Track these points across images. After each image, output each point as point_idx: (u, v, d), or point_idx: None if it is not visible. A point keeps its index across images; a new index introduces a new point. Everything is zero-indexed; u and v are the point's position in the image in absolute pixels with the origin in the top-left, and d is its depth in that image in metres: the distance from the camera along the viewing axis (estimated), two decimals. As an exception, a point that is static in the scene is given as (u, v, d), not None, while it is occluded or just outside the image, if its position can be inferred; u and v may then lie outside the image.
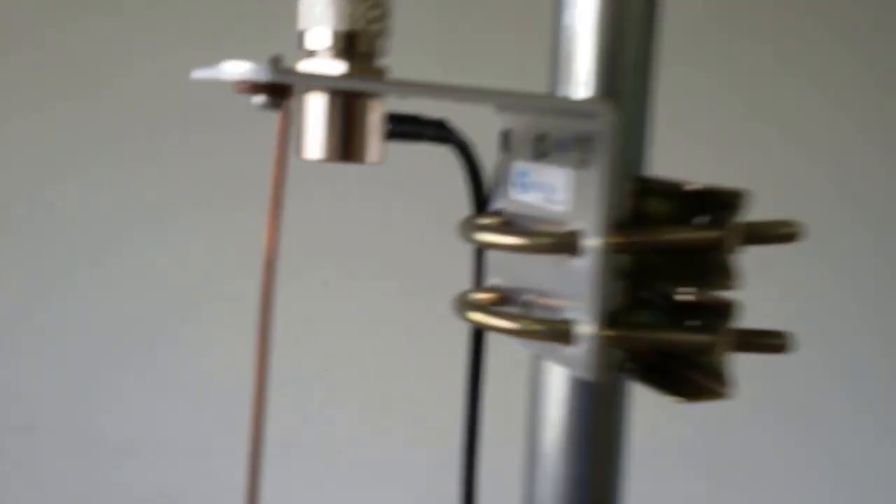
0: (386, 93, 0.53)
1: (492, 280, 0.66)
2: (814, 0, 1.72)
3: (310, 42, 0.53)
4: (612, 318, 0.56)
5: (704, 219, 0.56)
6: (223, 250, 1.68)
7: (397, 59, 0.57)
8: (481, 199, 0.64)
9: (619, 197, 0.55)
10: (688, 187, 0.56)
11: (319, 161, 0.53)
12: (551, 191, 0.58)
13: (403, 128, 0.59)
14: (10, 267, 1.67)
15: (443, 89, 0.50)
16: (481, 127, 0.65)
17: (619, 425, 0.62)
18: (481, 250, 0.66)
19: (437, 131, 0.60)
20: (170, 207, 1.67)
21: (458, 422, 1.75)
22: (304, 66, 0.53)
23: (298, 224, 1.67)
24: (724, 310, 0.56)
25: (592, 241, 0.54)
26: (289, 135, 0.51)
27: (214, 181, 1.67)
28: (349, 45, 0.52)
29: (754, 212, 0.55)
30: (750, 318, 0.58)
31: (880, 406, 1.82)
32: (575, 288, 0.56)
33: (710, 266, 0.56)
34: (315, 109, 0.53)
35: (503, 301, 0.65)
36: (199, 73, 0.52)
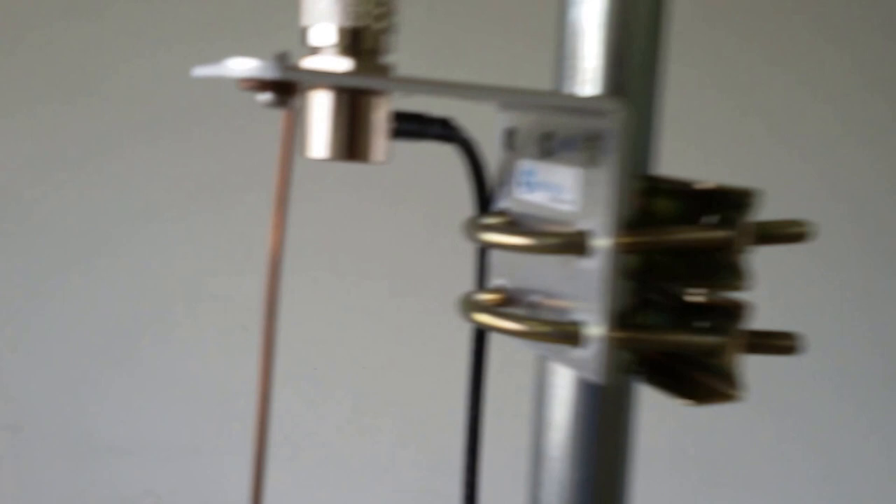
0: (393, 90, 0.51)
1: (495, 280, 0.65)
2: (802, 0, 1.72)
3: (314, 38, 0.51)
4: (620, 320, 0.55)
5: (713, 218, 0.56)
6: (211, 251, 1.68)
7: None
8: (485, 199, 0.63)
9: (628, 196, 0.53)
10: (698, 186, 0.55)
11: (324, 160, 0.52)
12: (558, 190, 0.57)
13: (408, 126, 0.57)
14: (-1, 267, 1.66)
15: (452, 87, 0.49)
16: (481, 126, 0.64)
17: (625, 428, 0.61)
18: (484, 250, 0.65)
19: (442, 130, 0.59)
20: (157, 209, 1.66)
21: (448, 420, 1.74)
22: (309, 63, 0.52)
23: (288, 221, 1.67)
24: (734, 311, 0.55)
25: (602, 242, 0.53)
26: (294, 133, 0.50)
27: (203, 183, 1.66)
28: (354, 41, 0.51)
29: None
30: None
31: (872, 404, 1.82)
32: (583, 289, 0.55)
33: (720, 266, 0.55)
34: (320, 107, 0.52)
35: (508, 302, 0.63)
36: (201, 71, 0.51)
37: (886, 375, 1.80)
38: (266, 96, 0.48)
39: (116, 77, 1.63)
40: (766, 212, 0.54)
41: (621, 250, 0.54)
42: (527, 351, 0.61)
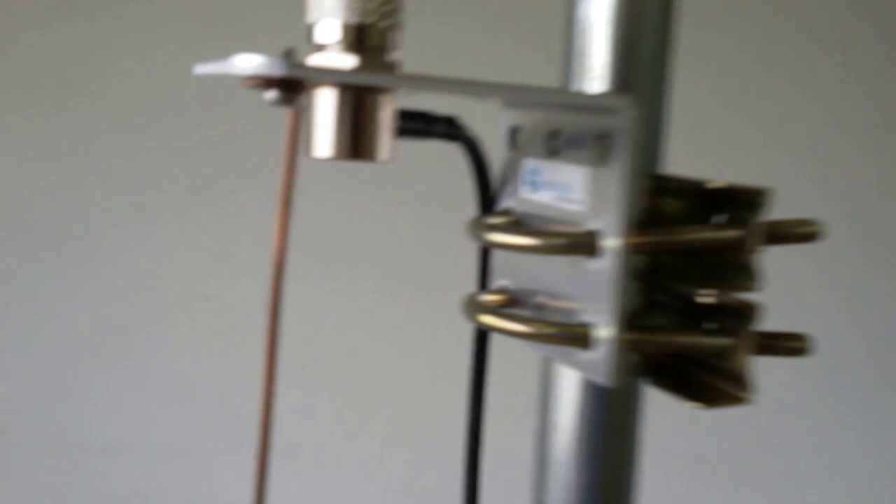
0: (402, 88, 0.50)
1: (498, 281, 0.64)
2: (794, 0, 1.72)
3: (319, 35, 0.50)
4: (628, 321, 0.54)
5: (722, 218, 0.55)
6: (203, 252, 1.67)
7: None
8: (488, 198, 0.62)
9: (638, 196, 0.52)
10: (709, 185, 0.54)
11: (328, 159, 0.51)
12: (565, 189, 0.56)
13: (413, 125, 0.56)
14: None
15: (462, 84, 0.48)
16: (482, 125, 0.62)
17: (632, 431, 0.60)
18: (486, 250, 0.64)
19: (447, 128, 0.58)
20: (149, 210, 1.65)
21: (438, 420, 1.73)
22: (314, 60, 0.50)
23: (272, 217, 1.66)
24: (744, 312, 0.54)
25: (611, 242, 0.52)
26: (300, 132, 0.49)
27: (196, 184, 1.65)
28: (360, 38, 0.50)
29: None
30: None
31: (861, 403, 1.81)
32: (591, 290, 0.54)
33: (730, 266, 0.54)
34: (324, 105, 0.50)
35: (512, 303, 0.62)
36: (202, 69, 0.50)
37: (877, 374, 1.80)
38: (272, 94, 0.47)
39: (110, 78, 1.62)
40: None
41: (631, 250, 0.53)
42: (527, 351, 0.60)
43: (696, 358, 0.57)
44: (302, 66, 0.45)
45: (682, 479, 1.79)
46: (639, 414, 0.60)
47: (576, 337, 0.54)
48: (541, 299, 0.59)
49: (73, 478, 1.70)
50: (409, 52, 0.56)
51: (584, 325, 0.54)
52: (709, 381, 0.56)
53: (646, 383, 0.59)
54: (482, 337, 0.65)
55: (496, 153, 0.63)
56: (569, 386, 0.59)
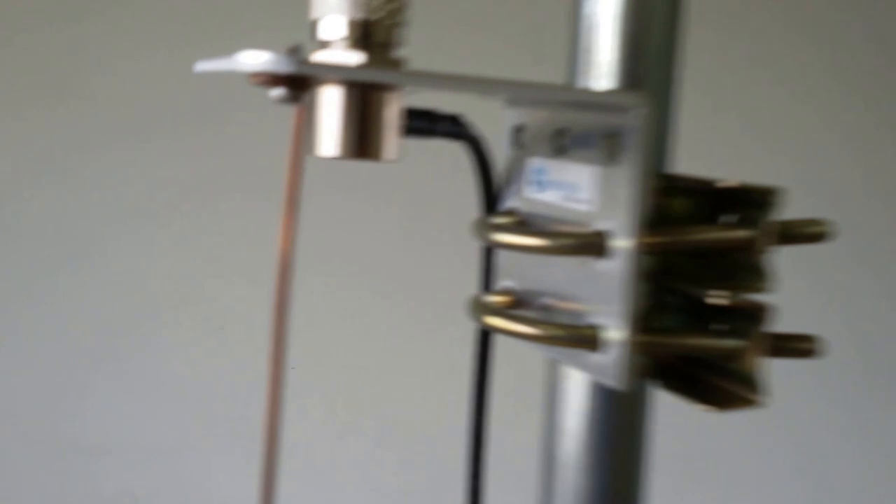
0: (411, 85, 0.49)
1: (503, 282, 0.63)
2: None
3: (323, 32, 0.49)
4: (637, 323, 0.53)
5: (731, 218, 0.54)
6: (195, 253, 1.66)
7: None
8: (492, 198, 0.61)
9: (649, 195, 0.51)
10: (721, 184, 0.53)
11: (333, 158, 0.50)
12: (573, 189, 0.55)
13: (418, 123, 0.55)
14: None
15: (473, 82, 0.47)
16: (482, 124, 0.61)
17: (641, 434, 0.59)
18: (490, 250, 0.63)
19: (452, 127, 0.57)
20: (140, 211, 1.64)
21: (429, 421, 1.72)
22: (318, 57, 0.49)
23: (264, 218, 1.65)
24: (755, 313, 0.53)
25: (622, 242, 0.51)
26: (306, 130, 0.48)
27: (188, 185, 1.64)
28: (366, 35, 0.49)
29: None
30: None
31: (848, 399, 1.81)
32: (601, 291, 0.53)
33: (741, 267, 0.53)
34: (329, 103, 0.49)
35: (517, 304, 0.61)
36: (205, 66, 0.49)
37: (864, 373, 1.80)
38: (278, 92, 0.45)
39: (103, 79, 1.61)
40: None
41: (641, 251, 0.52)
42: (530, 351, 0.59)
43: (705, 360, 0.56)
44: (310, 63, 0.44)
45: (670, 477, 1.79)
46: (647, 417, 0.59)
47: (585, 339, 0.53)
48: (547, 300, 0.58)
49: (64, 478, 1.69)
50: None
51: (593, 327, 0.53)
52: (719, 383, 0.55)
53: (654, 386, 0.58)
54: (485, 338, 0.64)
55: (497, 152, 0.62)
56: (576, 388, 0.58)
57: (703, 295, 0.55)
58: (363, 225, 1.66)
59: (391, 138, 0.50)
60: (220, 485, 1.71)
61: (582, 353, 0.54)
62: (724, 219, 0.54)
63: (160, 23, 1.60)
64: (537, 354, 0.59)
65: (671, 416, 1.71)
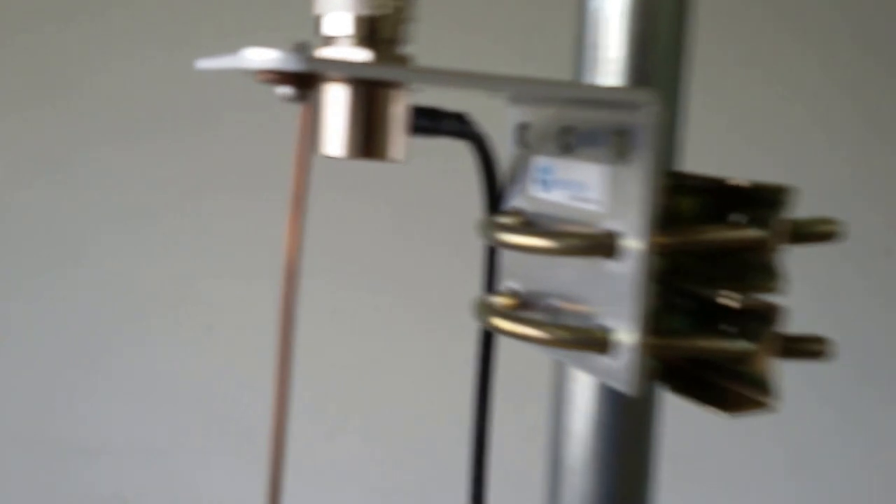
0: (420, 83, 0.48)
1: (507, 282, 0.62)
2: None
3: (328, 28, 0.48)
4: (647, 325, 0.52)
5: (740, 217, 0.53)
6: (186, 253, 1.64)
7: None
8: (495, 197, 0.60)
9: (659, 194, 0.50)
10: (732, 183, 0.52)
11: (339, 158, 0.49)
12: (580, 188, 0.54)
13: (424, 122, 0.54)
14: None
15: (485, 79, 0.46)
16: (483, 122, 0.60)
17: (648, 437, 0.58)
18: (493, 250, 0.62)
19: (457, 125, 0.56)
20: (130, 211, 1.63)
21: (418, 420, 1.71)
22: (323, 54, 0.48)
23: (256, 218, 1.64)
24: (767, 314, 0.52)
25: (633, 243, 0.50)
26: (312, 129, 0.46)
27: (179, 185, 1.63)
28: (372, 31, 0.48)
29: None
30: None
31: (837, 396, 1.81)
32: (610, 293, 0.52)
33: (751, 267, 0.52)
34: (335, 102, 0.48)
35: (522, 306, 0.60)
36: (208, 63, 0.48)
37: (854, 370, 1.80)
38: (285, 90, 0.44)
39: (95, 79, 1.60)
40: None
41: (653, 251, 0.50)
42: (536, 353, 0.58)
43: (714, 362, 0.55)
44: (318, 60, 0.43)
45: (660, 475, 1.78)
46: (655, 420, 0.58)
47: (595, 342, 0.52)
48: (554, 302, 0.57)
49: (53, 478, 1.68)
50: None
51: (604, 330, 0.52)
52: (729, 386, 0.54)
53: (662, 389, 0.57)
54: (487, 340, 0.63)
55: (497, 152, 0.61)
56: (583, 391, 0.57)
57: (713, 295, 0.54)
58: (353, 223, 1.64)
59: (398, 137, 0.49)
60: (210, 485, 1.70)
61: (590, 355, 0.53)
62: (732, 218, 0.53)
63: (151, 22, 1.59)
64: (528, 354, 0.58)
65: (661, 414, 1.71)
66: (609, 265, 0.52)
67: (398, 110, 0.49)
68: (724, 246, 0.52)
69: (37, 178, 1.61)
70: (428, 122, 0.54)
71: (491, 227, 0.57)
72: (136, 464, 1.69)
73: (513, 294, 0.60)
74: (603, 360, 0.52)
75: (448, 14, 1.58)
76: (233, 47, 0.47)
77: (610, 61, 0.54)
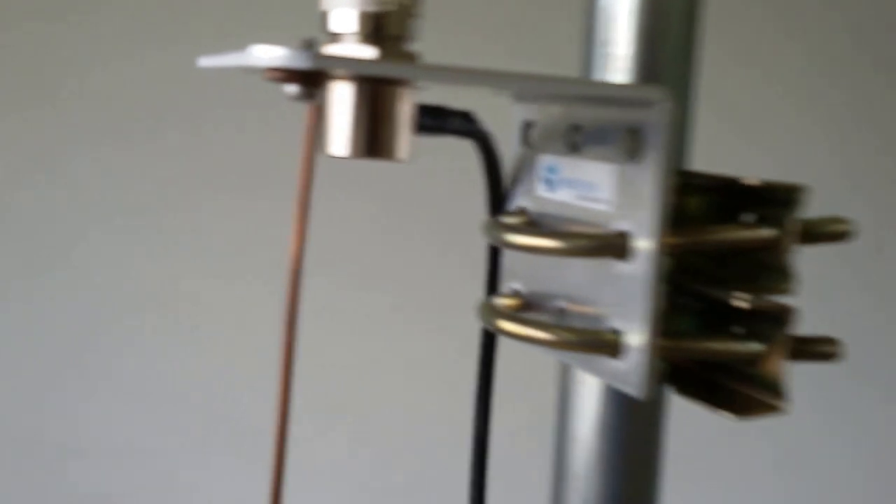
0: (428, 81, 0.47)
1: (510, 283, 0.60)
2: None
3: (334, 24, 0.47)
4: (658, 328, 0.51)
5: (750, 216, 0.52)
6: (174, 253, 1.63)
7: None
8: (499, 197, 0.59)
9: (671, 194, 0.49)
10: (744, 181, 0.51)
11: (344, 158, 0.48)
12: (588, 188, 0.53)
13: (430, 120, 0.53)
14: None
15: (496, 76, 0.45)
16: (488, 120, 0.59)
17: (655, 441, 0.57)
18: (496, 251, 0.61)
19: (463, 124, 0.54)
20: (120, 210, 1.62)
21: (407, 418, 1.70)
22: (329, 51, 0.47)
23: (249, 216, 1.63)
24: (780, 315, 0.51)
25: (644, 243, 0.49)
26: (318, 129, 0.45)
27: (169, 185, 1.61)
28: (378, 27, 0.46)
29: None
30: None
31: (825, 393, 1.80)
32: (620, 294, 0.51)
33: (763, 267, 0.51)
34: (340, 100, 0.47)
35: (526, 307, 0.59)
36: (211, 61, 0.46)
37: (843, 365, 1.79)
38: (292, 88, 0.43)
39: (84, 79, 1.58)
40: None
41: (665, 252, 0.49)
42: (539, 356, 0.57)
43: (722, 364, 0.54)
44: (327, 58, 0.42)
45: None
46: (663, 424, 0.57)
47: (605, 344, 0.51)
48: (559, 303, 0.56)
49: (36, 478, 1.66)
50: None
51: (616, 332, 0.51)
52: (738, 388, 0.53)
53: (670, 391, 0.56)
54: (489, 341, 0.62)
55: (506, 150, 0.60)
56: (589, 394, 0.56)
57: (722, 296, 0.53)
58: (340, 221, 1.63)
59: (404, 137, 0.48)
60: (195, 485, 1.69)
61: (598, 358, 0.52)
62: (743, 217, 0.52)
63: (141, 22, 1.58)
64: (513, 354, 0.57)
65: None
66: (619, 266, 0.50)
67: (404, 109, 0.48)
68: (736, 246, 0.51)
69: (29, 178, 1.60)
70: (433, 120, 0.53)
71: (497, 227, 0.55)
72: (121, 464, 1.68)
73: (515, 295, 0.59)
74: (611, 363, 0.51)
75: (441, 13, 1.57)
76: (231, 46, 0.46)
77: (618, 58, 0.53)
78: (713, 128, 1.66)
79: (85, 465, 1.67)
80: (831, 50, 1.73)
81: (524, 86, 0.50)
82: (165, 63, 1.51)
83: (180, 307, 1.65)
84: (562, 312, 0.56)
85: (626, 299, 0.50)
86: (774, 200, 0.50)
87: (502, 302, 0.59)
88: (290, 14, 1.25)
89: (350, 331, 1.67)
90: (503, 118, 0.59)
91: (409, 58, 0.48)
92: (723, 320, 0.54)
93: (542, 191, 0.57)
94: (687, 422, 1.73)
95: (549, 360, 0.60)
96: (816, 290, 1.75)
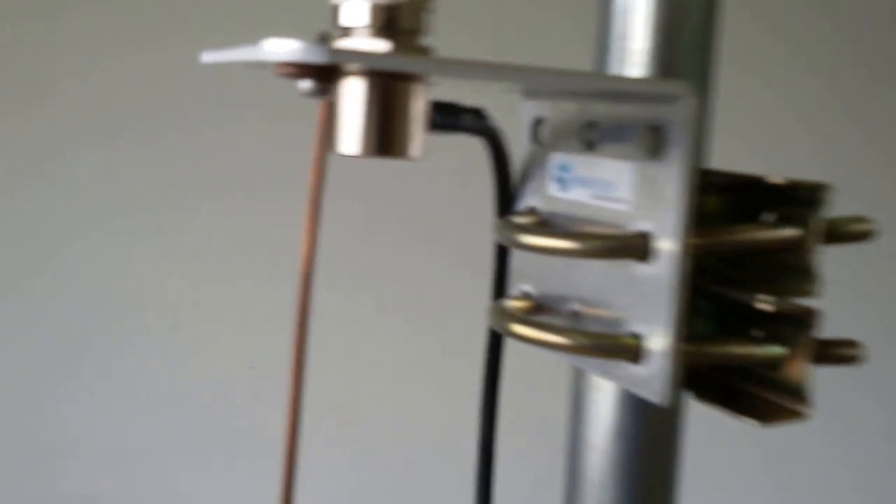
0: (446, 75, 0.45)
1: (519, 285, 0.58)
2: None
3: (345, 18, 0.45)
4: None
5: (770, 216, 0.50)
6: (173, 254, 1.61)
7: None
8: (508, 196, 0.57)
9: (695, 193, 0.47)
10: (768, 180, 0.49)
11: (356, 157, 0.45)
12: (605, 187, 0.51)
13: (443, 117, 0.51)
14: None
15: (516, 70, 0.43)
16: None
17: (673, 448, 0.55)
18: (504, 252, 0.59)
19: (475, 121, 0.52)
20: (110, 212, 1.60)
21: (389, 422, 1.68)
22: (342, 45, 0.45)
23: (239, 215, 1.60)
24: (805, 318, 0.49)
25: (667, 244, 0.47)
26: (331, 126, 0.43)
27: (160, 187, 1.60)
28: (391, 20, 0.44)
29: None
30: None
31: (821, 399, 1.80)
32: (640, 297, 0.49)
33: (786, 268, 0.49)
34: (351, 97, 0.45)
35: (537, 310, 0.57)
36: (217, 56, 0.44)
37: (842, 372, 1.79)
38: (306, 84, 0.41)
39: (74, 80, 1.57)
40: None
41: (689, 253, 0.47)
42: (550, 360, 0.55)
43: (740, 368, 0.52)
44: (343, 51, 0.39)
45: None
46: (680, 430, 0.55)
47: (625, 349, 0.49)
48: (573, 306, 0.54)
49: (22, 480, 1.64)
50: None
51: (635, 336, 0.49)
52: (759, 393, 0.51)
53: (687, 396, 0.54)
54: (496, 343, 0.60)
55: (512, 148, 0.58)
56: (605, 400, 0.54)
57: (745, 299, 0.51)
58: (355, 223, 1.61)
59: (417, 134, 0.46)
60: (180, 487, 1.67)
61: (615, 363, 0.50)
62: (764, 217, 0.50)
63: (141, 22, 1.56)
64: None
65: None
66: (639, 268, 0.49)
67: (418, 105, 0.46)
68: (760, 247, 0.49)
69: (29, 178, 1.59)
70: (445, 117, 0.51)
71: (509, 227, 0.53)
72: (106, 465, 1.66)
73: (525, 297, 0.57)
74: (630, 368, 0.49)
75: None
76: (232, 45, 0.44)
77: (635, 52, 0.51)
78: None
79: (85, 466, 1.66)
80: (821, 48, 1.73)
81: (544, 81, 0.48)
82: (165, 63, 1.50)
83: (180, 307, 1.64)
84: (576, 315, 0.54)
85: (646, 302, 0.48)
86: (797, 199, 0.48)
87: (512, 304, 0.57)
88: (290, 14, 1.23)
89: (343, 331, 1.65)
90: (506, 116, 0.57)
91: (423, 52, 0.46)
92: (741, 323, 0.52)
93: (553, 190, 0.55)
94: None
95: (533, 358, 0.58)
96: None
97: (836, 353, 0.52)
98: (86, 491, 1.66)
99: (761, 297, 0.50)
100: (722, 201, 0.52)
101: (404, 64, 0.43)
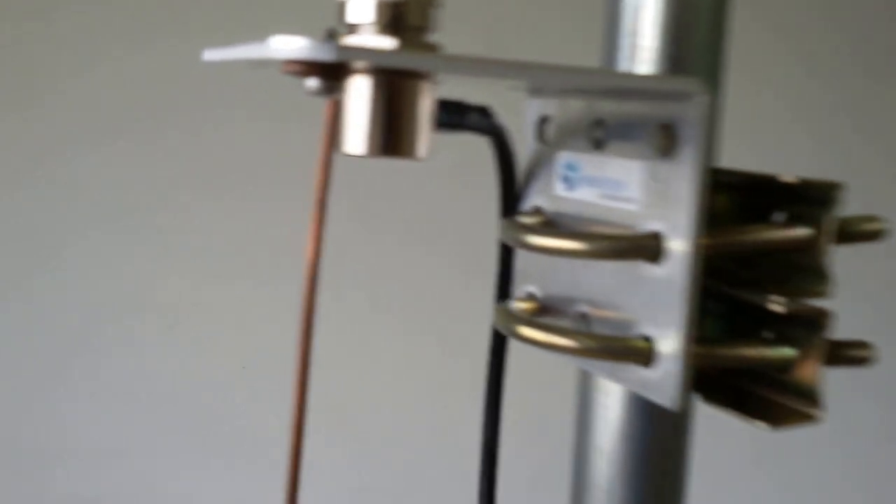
0: (456, 73, 0.44)
1: (524, 287, 0.58)
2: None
3: (351, 14, 0.44)
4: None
5: (781, 216, 0.49)
6: (173, 254, 1.61)
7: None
8: (513, 196, 0.56)
9: (708, 192, 0.46)
10: (783, 179, 0.48)
11: (361, 156, 0.45)
12: (614, 186, 0.50)
13: (449, 116, 0.50)
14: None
15: (527, 67, 0.42)
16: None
17: (682, 452, 0.55)
18: (509, 252, 0.58)
19: (481, 119, 0.52)
20: (103, 214, 1.60)
21: (389, 422, 1.67)
22: (349, 42, 0.44)
23: (239, 215, 1.60)
24: (817, 319, 0.49)
25: (679, 245, 0.46)
26: (338, 125, 0.42)
27: (154, 188, 1.60)
28: (398, 17, 0.44)
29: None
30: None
31: (828, 402, 1.79)
32: (651, 299, 0.48)
33: (797, 269, 0.49)
34: (357, 95, 0.44)
35: (542, 311, 0.56)
36: (220, 54, 0.43)
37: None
38: (313, 83, 0.40)
39: (69, 81, 1.56)
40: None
41: (699, 254, 0.47)
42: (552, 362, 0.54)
43: (749, 369, 0.51)
44: (351, 49, 0.39)
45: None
46: (689, 434, 0.55)
47: (635, 352, 0.48)
48: (581, 308, 0.53)
49: (15, 482, 1.63)
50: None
51: (645, 339, 0.48)
52: (770, 396, 0.50)
53: (697, 399, 0.53)
54: (500, 345, 0.59)
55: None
56: (612, 404, 0.54)
57: (756, 300, 0.50)
58: (354, 223, 1.61)
59: (424, 133, 0.45)
60: (174, 489, 1.66)
61: (623, 366, 0.49)
62: (775, 216, 0.49)
63: (141, 22, 1.56)
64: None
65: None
66: (649, 269, 0.48)
67: (425, 104, 0.45)
68: (771, 247, 0.48)
69: (28, 178, 1.58)
70: (451, 116, 0.50)
71: (516, 228, 0.52)
72: (98, 466, 1.65)
73: (531, 298, 0.57)
74: (639, 371, 0.49)
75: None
76: (229, 43, 0.43)
77: (645, 49, 0.50)
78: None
79: (84, 466, 1.65)
80: (817, 47, 1.72)
81: (554, 78, 0.47)
82: (165, 63, 1.50)
83: (179, 307, 1.63)
84: (583, 317, 0.53)
85: (657, 304, 0.47)
86: (809, 199, 0.48)
87: (518, 306, 0.56)
88: (290, 14, 1.23)
89: (343, 331, 1.64)
90: (510, 114, 0.56)
91: (431, 49, 0.45)
92: (751, 324, 0.51)
93: (559, 189, 0.54)
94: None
95: (534, 358, 0.57)
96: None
97: (847, 354, 0.52)
98: (84, 491, 1.65)
99: (772, 297, 0.49)
100: (731, 201, 0.51)
101: (413, 61, 0.42)
